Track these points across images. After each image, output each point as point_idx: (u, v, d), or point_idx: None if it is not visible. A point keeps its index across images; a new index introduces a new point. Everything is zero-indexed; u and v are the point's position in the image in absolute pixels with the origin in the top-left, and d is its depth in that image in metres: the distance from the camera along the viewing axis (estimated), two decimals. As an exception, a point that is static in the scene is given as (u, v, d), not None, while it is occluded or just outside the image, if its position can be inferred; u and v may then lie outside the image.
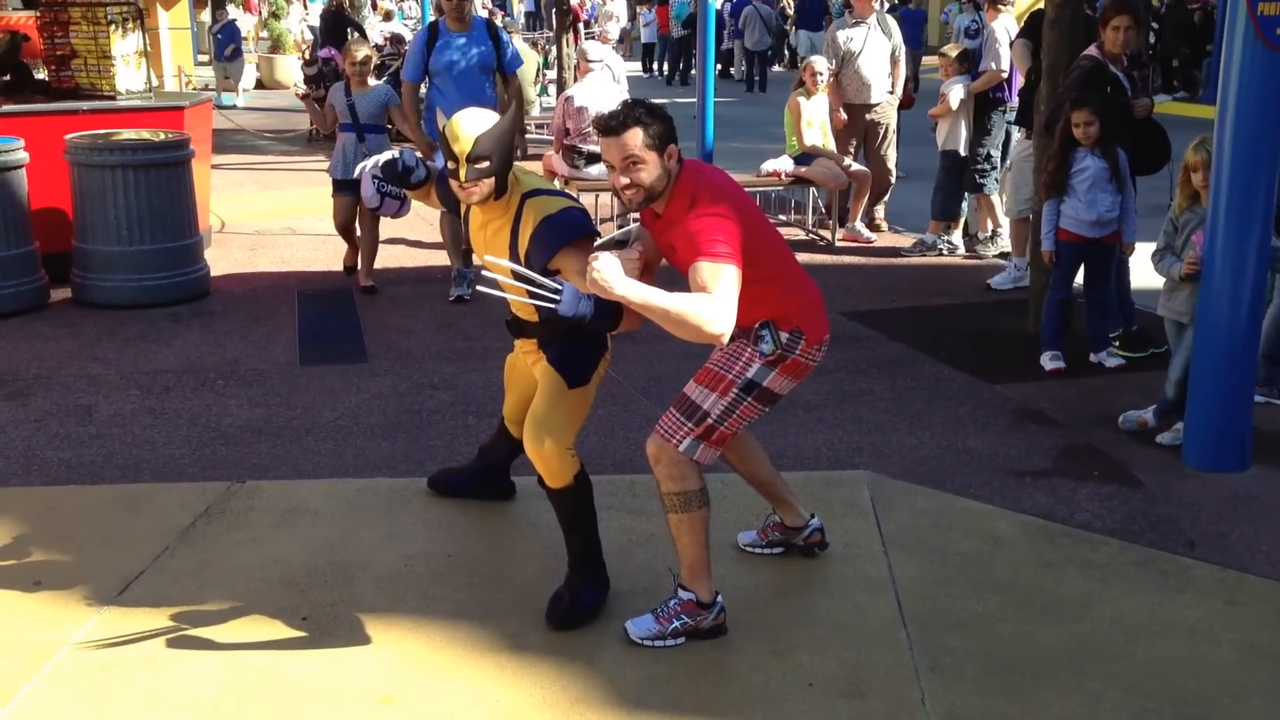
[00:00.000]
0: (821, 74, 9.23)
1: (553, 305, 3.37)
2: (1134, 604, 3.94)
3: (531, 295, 3.36)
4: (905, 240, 9.52)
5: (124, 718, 3.32)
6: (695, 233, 3.29)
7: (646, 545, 4.29)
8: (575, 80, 10.14)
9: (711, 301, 3.20)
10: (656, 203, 3.46)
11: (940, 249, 8.98)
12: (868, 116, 9.60)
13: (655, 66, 26.67)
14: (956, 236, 9.11)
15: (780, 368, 3.60)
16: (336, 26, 15.65)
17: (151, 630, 3.73)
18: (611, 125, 3.37)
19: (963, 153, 8.80)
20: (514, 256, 3.70)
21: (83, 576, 4.06)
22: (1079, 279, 6.37)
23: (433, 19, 7.99)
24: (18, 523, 4.48)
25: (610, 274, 3.15)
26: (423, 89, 7.96)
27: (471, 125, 3.64)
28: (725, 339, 3.21)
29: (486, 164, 3.63)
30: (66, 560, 4.17)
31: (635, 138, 3.35)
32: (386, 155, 4.17)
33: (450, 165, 3.66)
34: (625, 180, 3.38)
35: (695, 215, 3.34)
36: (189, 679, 3.48)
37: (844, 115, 9.50)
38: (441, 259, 8.84)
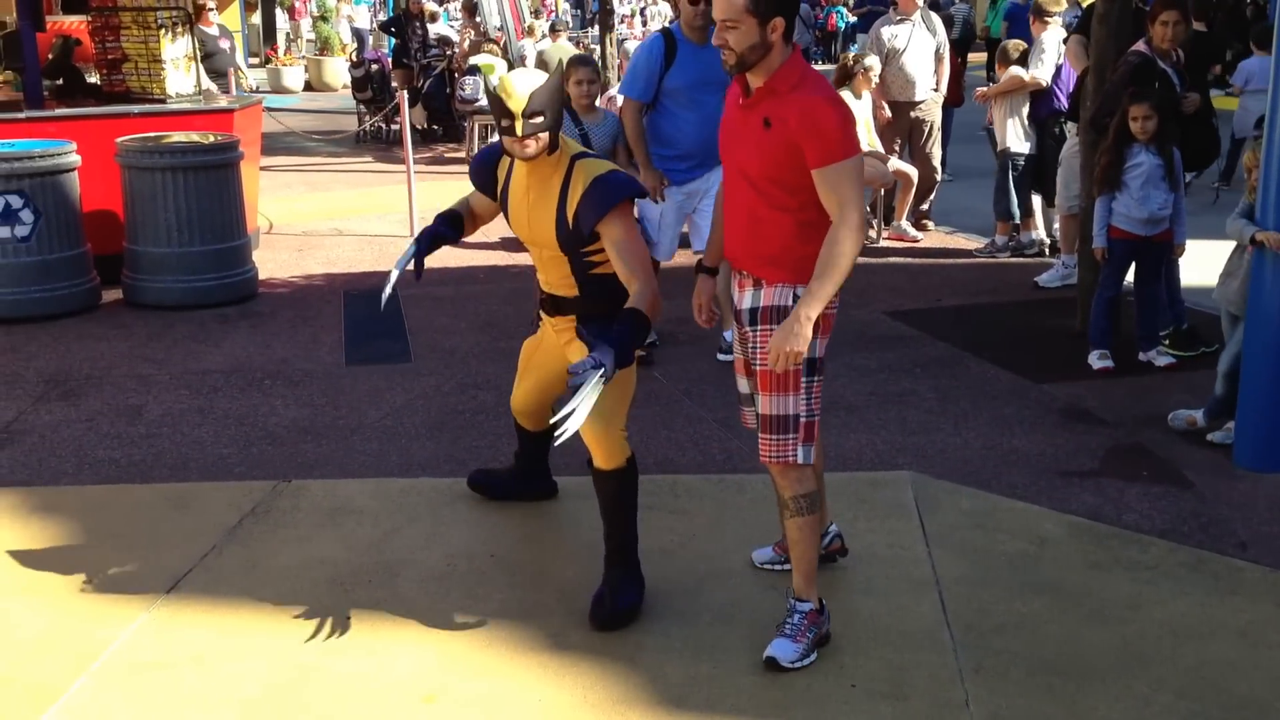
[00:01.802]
0: (873, 69, 9.18)
1: (603, 379, 3.47)
2: (1184, 606, 3.89)
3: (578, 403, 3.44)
4: (952, 240, 9.45)
5: (170, 715, 3.36)
6: (826, 130, 3.24)
7: (688, 545, 4.28)
8: (618, 79, 10.14)
9: (848, 221, 3.26)
10: (753, 73, 3.35)
11: (1009, 249, 8.88)
12: (912, 114, 9.54)
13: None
14: (1031, 235, 9.00)
15: (820, 332, 3.45)
16: (400, 28, 15.75)
17: (198, 628, 3.77)
18: None
19: (1014, 149, 8.73)
20: (561, 218, 3.77)
21: (131, 575, 4.11)
22: (1128, 277, 6.30)
23: (663, 26, 7.15)
24: (69, 521, 4.55)
25: (797, 344, 3.31)
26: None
27: (525, 83, 3.70)
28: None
29: (541, 119, 3.68)
30: (116, 558, 4.23)
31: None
32: (408, 258, 4.06)
33: (505, 122, 3.68)
34: (720, 39, 3.30)
35: (813, 101, 3.27)
36: (235, 677, 3.51)
37: (888, 113, 9.45)
38: (483, 259, 8.88)
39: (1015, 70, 8.67)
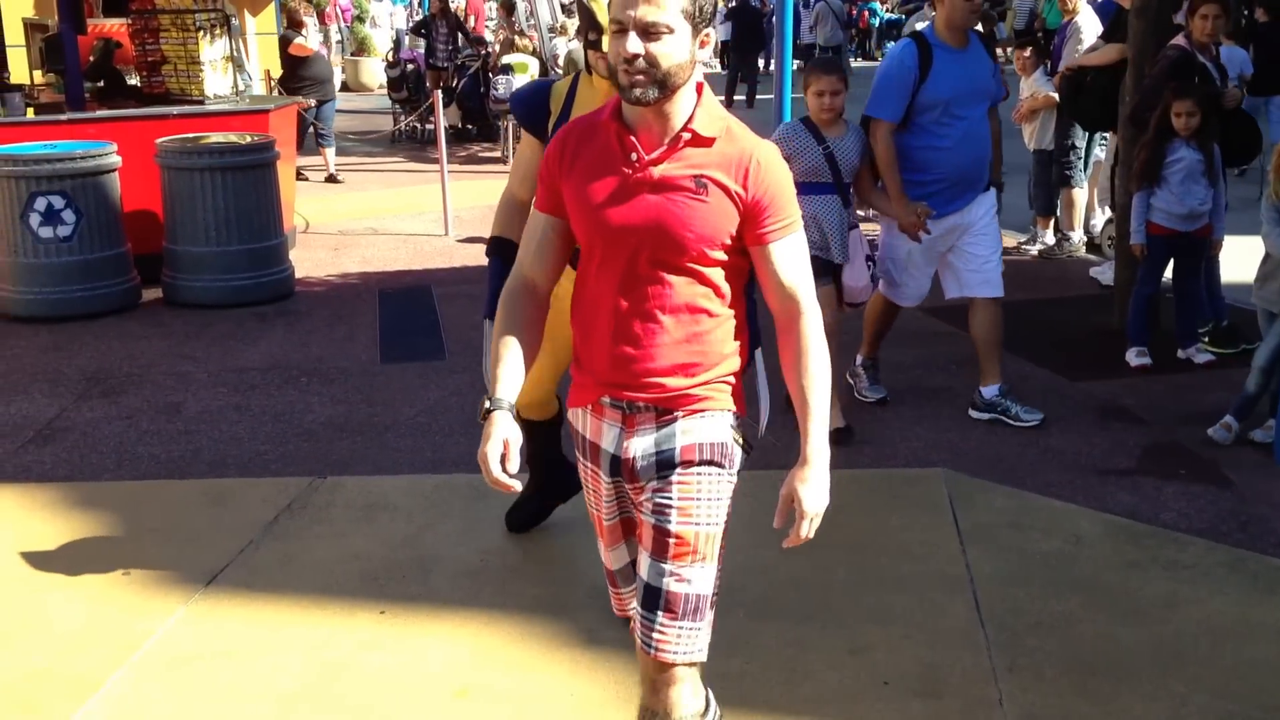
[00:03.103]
0: None
1: None
2: (1221, 605, 3.86)
3: None
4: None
5: (207, 708, 3.40)
6: (785, 191, 2.41)
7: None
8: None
9: (817, 312, 2.46)
10: (657, 108, 2.34)
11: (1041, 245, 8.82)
12: None
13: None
14: (1049, 235, 8.92)
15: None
16: (427, 29, 15.83)
17: (235, 622, 3.81)
18: None
19: (1048, 149, 8.66)
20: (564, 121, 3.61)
21: (170, 569, 4.15)
22: (1167, 273, 6.24)
23: (912, 31, 5.95)
24: (110, 516, 4.60)
25: (816, 505, 2.44)
26: None
27: None
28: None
29: None
30: (155, 553, 4.27)
31: None
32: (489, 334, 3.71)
33: (593, 36, 3.50)
34: (636, 50, 2.25)
35: (764, 151, 2.41)
36: (270, 670, 3.55)
37: None
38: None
39: (1039, 86, 8.59)
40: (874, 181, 5.35)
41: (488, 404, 2.46)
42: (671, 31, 2.26)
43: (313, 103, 12.12)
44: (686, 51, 2.29)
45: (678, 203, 2.35)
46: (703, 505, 2.47)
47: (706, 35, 2.34)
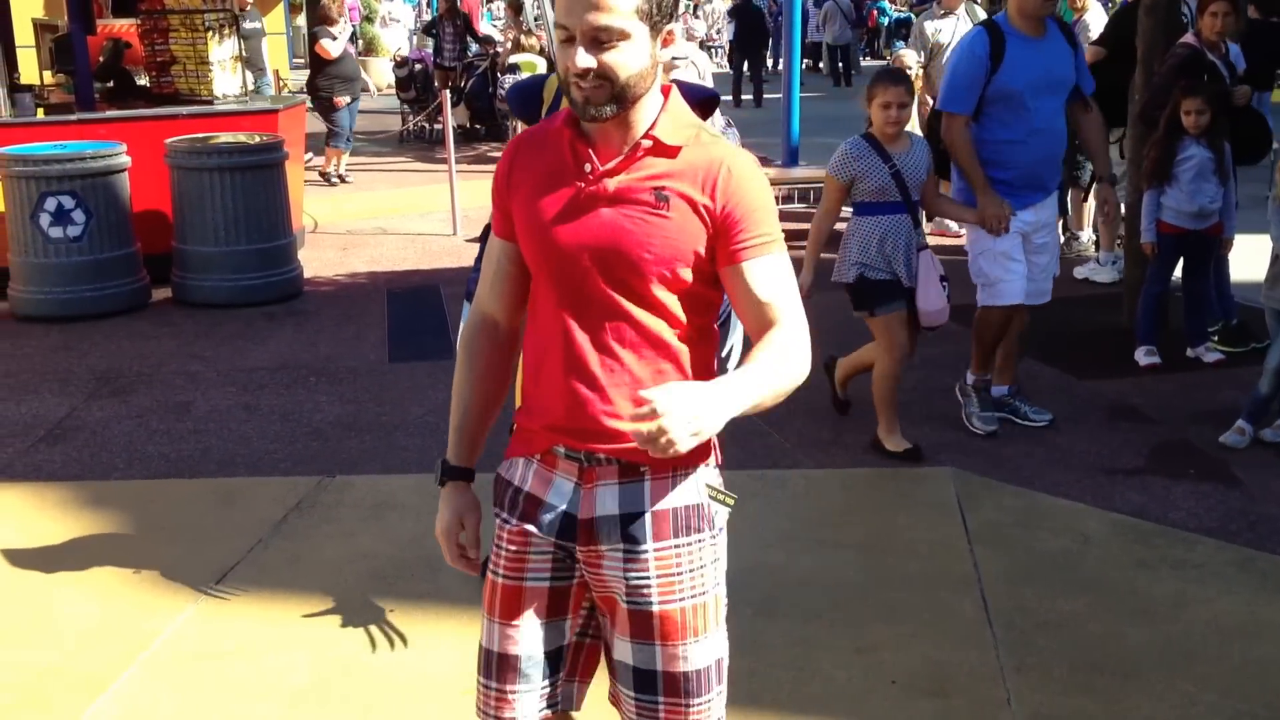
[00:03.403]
0: (911, 68, 9.12)
1: None
2: (1230, 605, 3.85)
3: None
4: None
5: (216, 705, 3.41)
6: (764, 204, 2.07)
7: (728, 540, 4.27)
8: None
9: (803, 330, 2.10)
10: (618, 117, 2.03)
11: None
12: None
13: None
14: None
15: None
16: (436, 29, 15.86)
17: (244, 620, 3.82)
18: None
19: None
20: None
21: (180, 567, 4.16)
22: (1176, 272, 6.23)
23: (985, 17, 5.52)
24: (119, 514, 4.62)
25: (711, 422, 1.84)
26: None
27: None
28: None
29: None
30: (164, 551, 4.29)
31: None
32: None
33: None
34: (586, 64, 1.95)
35: (737, 159, 2.07)
36: (279, 668, 3.56)
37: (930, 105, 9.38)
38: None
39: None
40: (936, 188, 5.14)
41: (439, 471, 2.26)
42: (627, 37, 1.95)
43: (348, 99, 12.15)
44: (646, 56, 1.98)
45: (634, 218, 2.03)
46: (685, 578, 2.12)
47: (669, 33, 2.04)
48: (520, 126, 3.84)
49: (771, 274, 2.05)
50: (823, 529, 4.36)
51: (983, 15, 9.66)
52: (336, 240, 9.67)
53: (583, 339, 2.08)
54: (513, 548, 2.18)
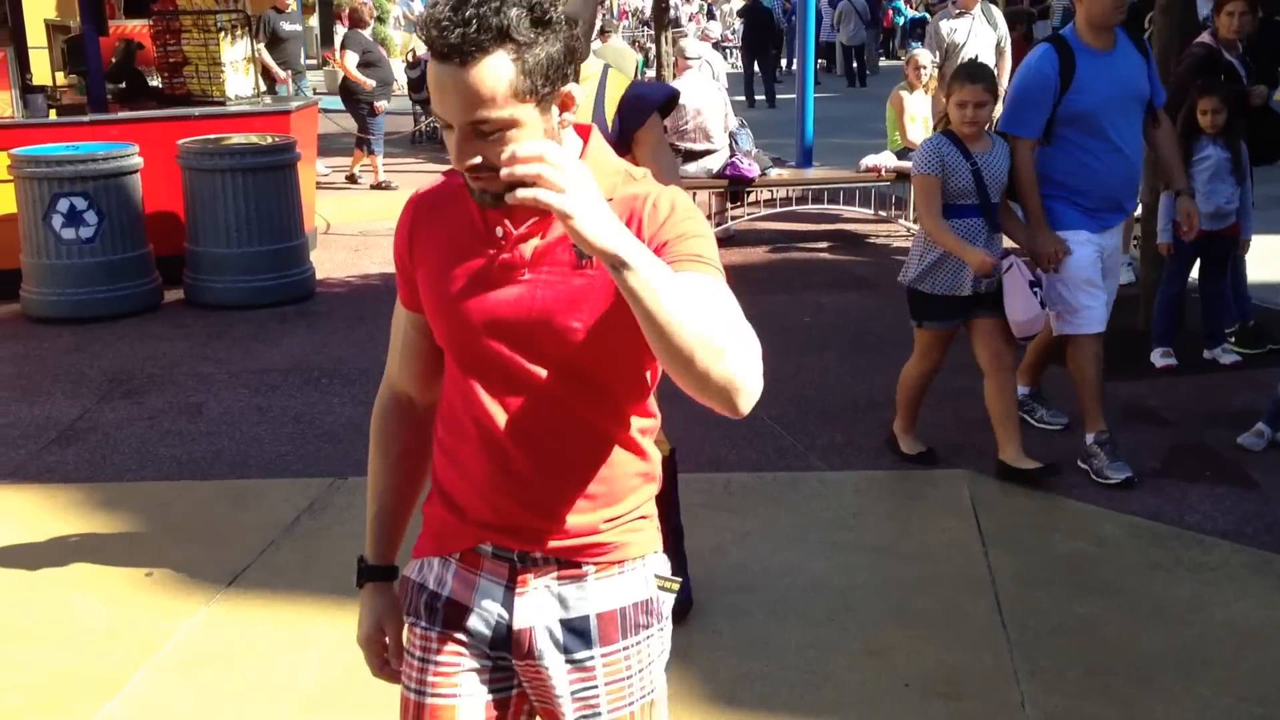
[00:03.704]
0: (925, 68, 9.10)
1: None
2: (1246, 608, 3.83)
3: None
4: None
5: (229, 707, 3.40)
6: (685, 233, 1.75)
7: (741, 543, 4.27)
8: (674, 78, 10.14)
9: (742, 337, 1.66)
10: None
11: None
12: None
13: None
14: None
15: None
16: None
17: (257, 622, 3.82)
18: (445, 40, 1.63)
19: None
20: (599, 122, 3.68)
21: (192, 569, 4.16)
22: (1193, 273, 6.20)
23: (1054, 29, 5.42)
24: (132, 516, 4.62)
25: (586, 211, 1.53)
26: None
27: None
28: (747, 409, 1.68)
29: (574, 27, 3.63)
30: (177, 553, 4.28)
31: (494, 74, 1.64)
32: None
33: None
34: (473, 160, 1.68)
35: (663, 196, 1.79)
36: (291, 670, 3.55)
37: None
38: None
39: None
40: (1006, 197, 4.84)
41: (357, 571, 2.06)
42: (514, 125, 1.65)
43: (385, 104, 12.14)
44: (540, 133, 1.68)
45: (556, 285, 1.76)
46: (635, 680, 1.90)
47: (568, 93, 1.73)
48: None
49: (706, 288, 1.67)
50: (836, 531, 4.35)
51: (998, 15, 9.64)
52: (349, 242, 9.68)
53: (506, 423, 1.81)
54: (429, 658, 1.90)
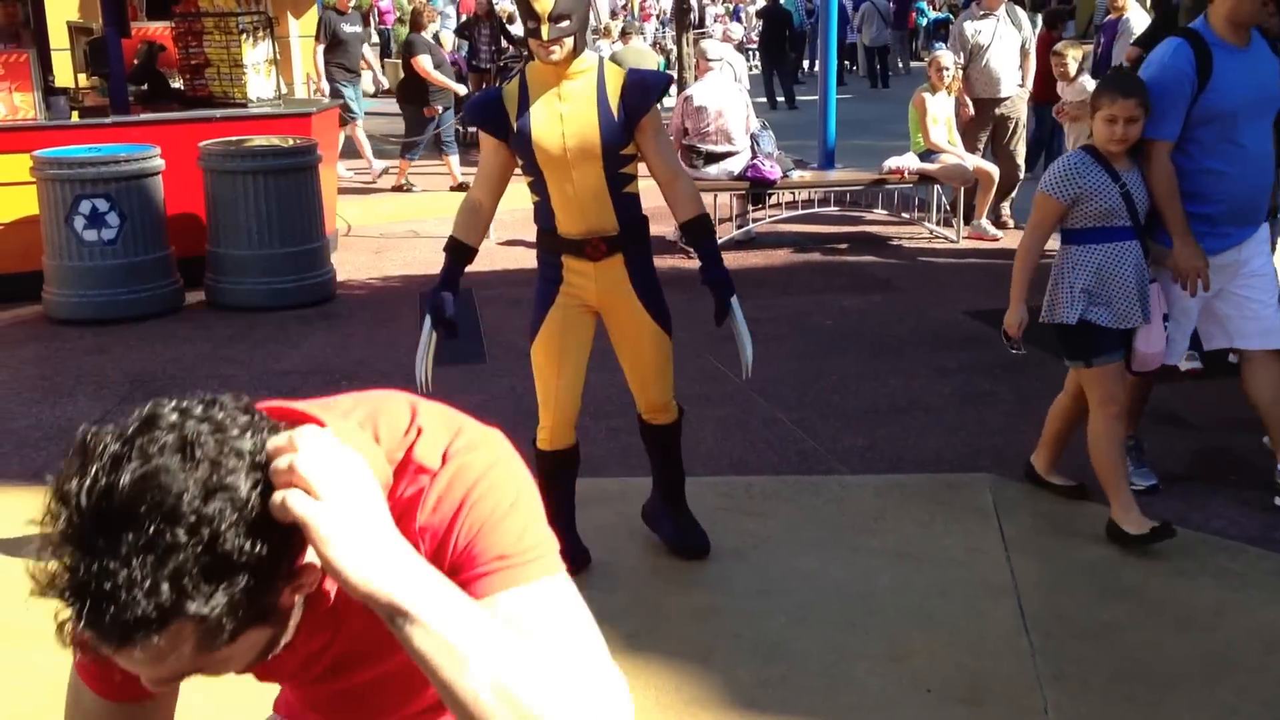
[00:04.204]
0: (948, 69, 9.06)
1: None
2: (1273, 615, 3.78)
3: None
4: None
5: (251, 715, 3.39)
6: (485, 526, 1.36)
7: (762, 548, 4.24)
8: (695, 80, 10.13)
9: (591, 691, 1.30)
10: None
11: None
12: (997, 111, 9.39)
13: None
14: None
15: None
16: (470, 32, 15.89)
17: (275, 625, 3.81)
18: (105, 630, 1.19)
19: None
20: (604, 112, 3.77)
21: (211, 572, 4.15)
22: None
23: (1185, 26, 4.65)
24: (151, 518, 4.62)
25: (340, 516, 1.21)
26: None
27: None
28: None
29: (567, 23, 3.68)
30: (196, 555, 4.28)
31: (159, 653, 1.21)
32: (428, 344, 4.12)
33: (531, 25, 3.69)
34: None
35: (449, 501, 1.38)
36: (310, 674, 3.54)
37: (971, 110, 9.31)
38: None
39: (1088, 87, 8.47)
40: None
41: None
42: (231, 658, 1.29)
43: (440, 109, 12.17)
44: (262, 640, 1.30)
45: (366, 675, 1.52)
46: None
47: (296, 590, 1.30)
48: (484, 139, 3.89)
49: (527, 617, 1.30)
50: (857, 535, 4.32)
51: (1023, 16, 9.57)
52: (369, 243, 9.69)
53: None
54: None
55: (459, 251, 4.01)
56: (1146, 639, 3.65)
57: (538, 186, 3.88)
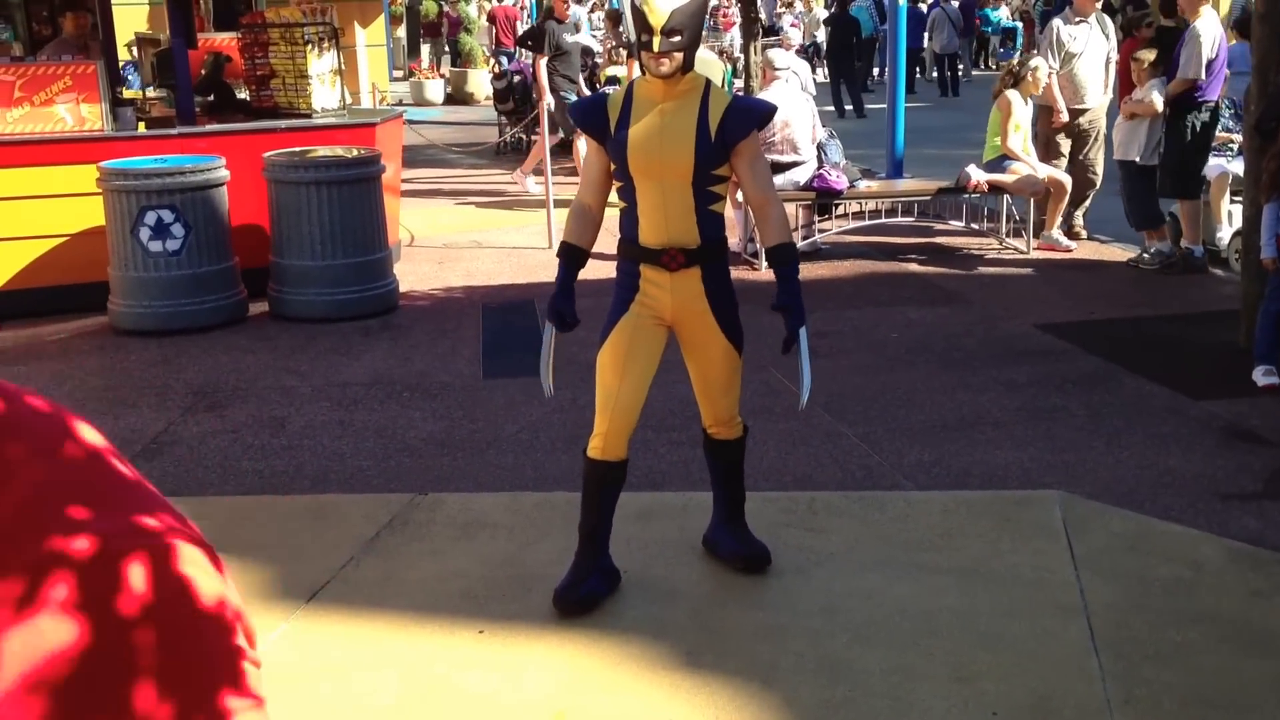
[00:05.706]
0: (1042, 76, 8.90)
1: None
2: (1355, 639, 3.66)
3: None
4: (1106, 250, 9.14)
5: (305, 725, 3.39)
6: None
7: (825, 564, 4.17)
8: (760, 89, 10.05)
9: None
10: None
11: (1161, 257, 8.47)
12: (1079, 121, 9.22)
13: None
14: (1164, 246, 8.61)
15: None
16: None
17: (335, 638, 3.81)
18: None
19: (1139, 160, 8.41)
20: (703, 131, 3.80)
21: (273, 584, 4.17)
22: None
23: (1110, 24, 4.71)
24: (213, 531, 4.61)
25: None
26: None
27: (667, 1, 3.74)
28: None
29: (679, 38, 3.71)
30: (257, 568, 4.29)
31: None
32: (549, 346, 4.24)
33: (644, 37, 3.74)
34: None
35: None
36: (368, 687, 3.53)
37: (1065, 116, 9.12)
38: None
39: (1155, 97, 8.30)
40: None
41: None
42: None
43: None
44: None
45: None
46: None
47: None
48: (585, 143, 3.93)
49: None
50: (922, 553, 4.23)
51: (1110, 24, 9.41)
52: (432, 254, 9.72)
53: None
54: None
55: (572, 255, 4.10)
56: (1221, 662, 3.53)
57: (626, 193, 3.91)
